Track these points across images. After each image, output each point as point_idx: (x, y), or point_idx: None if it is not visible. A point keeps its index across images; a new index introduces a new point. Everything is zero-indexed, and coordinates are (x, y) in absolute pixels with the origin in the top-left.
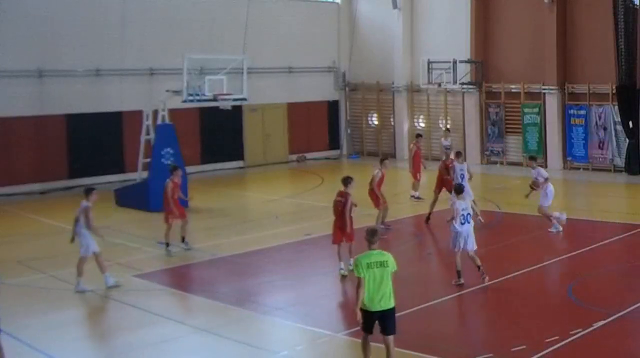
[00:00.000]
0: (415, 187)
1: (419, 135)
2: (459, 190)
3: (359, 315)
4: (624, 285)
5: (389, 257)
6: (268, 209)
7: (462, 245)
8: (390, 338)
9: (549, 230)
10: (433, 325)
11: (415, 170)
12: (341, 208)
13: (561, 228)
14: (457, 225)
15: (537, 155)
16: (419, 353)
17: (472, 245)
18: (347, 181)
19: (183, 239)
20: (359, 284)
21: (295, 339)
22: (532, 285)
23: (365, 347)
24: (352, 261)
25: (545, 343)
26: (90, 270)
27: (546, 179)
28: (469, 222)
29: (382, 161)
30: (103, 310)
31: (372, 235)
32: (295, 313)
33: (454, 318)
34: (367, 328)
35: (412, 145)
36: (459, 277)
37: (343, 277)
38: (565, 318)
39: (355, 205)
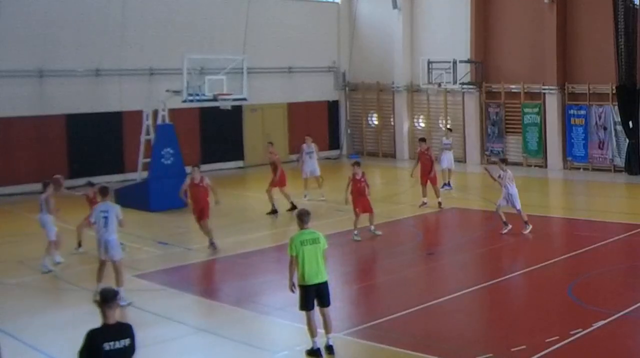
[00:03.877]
0: (423, 192)
1: (421, 139)
2: (506, 161)
3: (290, 285)
4: (624, 285)
5: (320, 235)
6: (268, 209)
7: (511, 203)
8: (327, 310)
9: None
10: (433, 325)
11: (421, 175)
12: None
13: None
14: (511, 187)
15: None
16: (419, 353)
17: (519, 205)
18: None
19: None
20: (290, 262)
21: (295, 339)
22: (532, 285)
23: (310, 326)
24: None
25: (545, 343)
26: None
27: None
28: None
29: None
30: None
31: (305, 215)
32: (295, 313)
33: (454, 318)
34: (307, 306)
35: (418, 149)
36: (507, 224)
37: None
38: (565, 318)
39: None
